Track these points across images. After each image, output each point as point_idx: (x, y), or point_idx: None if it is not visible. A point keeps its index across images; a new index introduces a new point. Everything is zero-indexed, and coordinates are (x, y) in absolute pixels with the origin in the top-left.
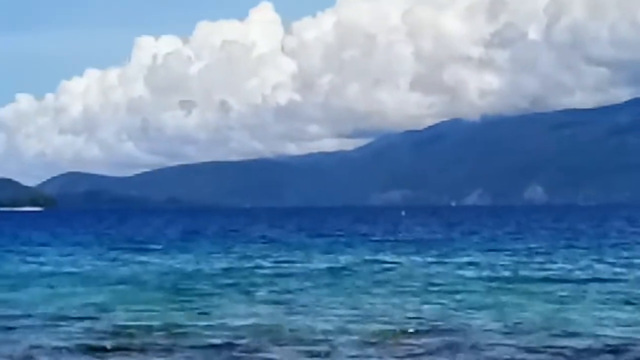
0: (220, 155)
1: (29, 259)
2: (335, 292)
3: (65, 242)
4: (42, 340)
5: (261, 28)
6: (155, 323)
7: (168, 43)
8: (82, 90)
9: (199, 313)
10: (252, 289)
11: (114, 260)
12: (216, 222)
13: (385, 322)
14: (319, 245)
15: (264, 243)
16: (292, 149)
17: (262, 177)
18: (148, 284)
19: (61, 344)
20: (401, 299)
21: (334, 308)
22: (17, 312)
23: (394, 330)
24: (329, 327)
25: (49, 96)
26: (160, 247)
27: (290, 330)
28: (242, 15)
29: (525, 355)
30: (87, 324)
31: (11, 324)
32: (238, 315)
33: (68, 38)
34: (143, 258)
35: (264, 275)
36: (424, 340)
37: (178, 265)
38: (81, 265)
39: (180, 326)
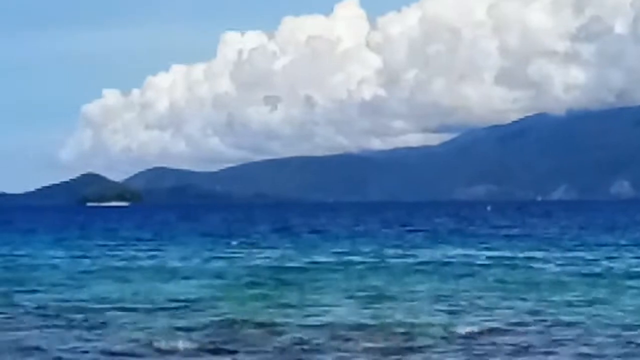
0: (305, 150)
1: (119, 253)
2: (426, 287)
3: (154, 237)
4: (136, 334)
5: (346, 23)
6: (245, 318)
7: (253, 38)
8: (167, 86)
9: (290, 307)
10: (343, 284)
11: (203, 255)
12: (304, 217)
13: (474, 318)
14: (408, 239)
15: (352, 237)
16: (377, 144)
17: (346, 172)
18: (239, 278)
19: (154, 339)
20: (491, 294)
21: (423, 303)
22: (110, 306)
23: (483, 326)
24: (418, 321)
25: (135, 91)
26: (251, 242)
27: (380, 324)
28: (327, 11)
29: (619, 350)
30: (177, 319)
31: (105, 318)
32: (329, 309)
33: (154, 33)
34: (233, 253)
35: (355, 269)
36: (515, 336)
37: (268, 260)
38: (170, 259)
39: (269, 321)
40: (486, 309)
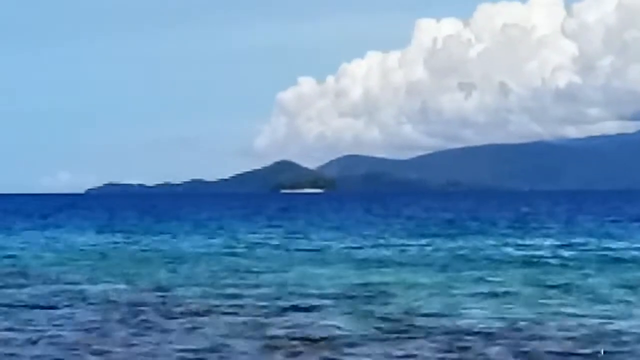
0: (499, 138)
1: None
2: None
3: (349, 227)
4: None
5: (542, 10)
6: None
7: (448, 25)
8: (362, 73)
9: (470, 297)
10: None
11: (390, 243)
12: (503, 206)
13: None
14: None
15: (550, 228)
16: (572, 132)
17: (541, 160)
18: (426, 266)
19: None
20: None
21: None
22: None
23: None
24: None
25: (330, 79)
26: (441, 232)
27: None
28: None
29: None
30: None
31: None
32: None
33: (350, 20)
34: (424, 241)
35: (542, 263)
36: None
37: (461, 250)
38: (361, 246)
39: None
40: None
